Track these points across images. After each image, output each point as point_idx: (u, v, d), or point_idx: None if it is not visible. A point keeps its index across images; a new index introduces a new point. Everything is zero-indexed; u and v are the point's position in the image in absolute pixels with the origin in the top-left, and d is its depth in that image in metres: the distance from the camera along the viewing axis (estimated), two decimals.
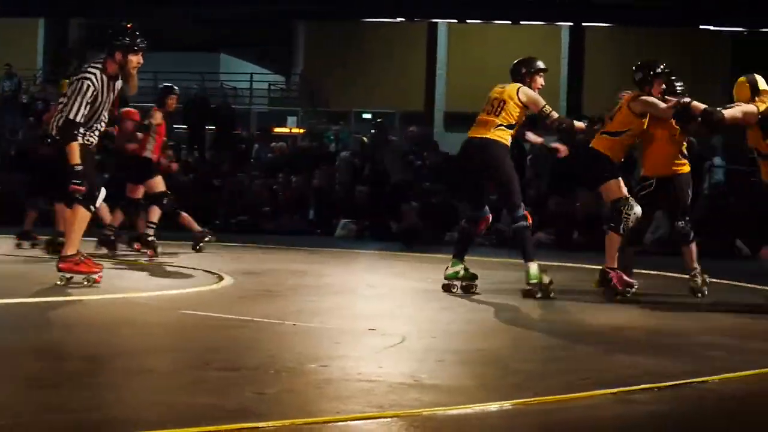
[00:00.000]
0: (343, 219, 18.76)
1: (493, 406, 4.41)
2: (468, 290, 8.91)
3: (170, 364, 5.37)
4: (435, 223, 17.40)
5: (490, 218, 9.25)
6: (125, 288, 8.70)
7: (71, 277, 8.47)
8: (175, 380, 4.91)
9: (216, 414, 4.10)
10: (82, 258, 8.52)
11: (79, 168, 8.39)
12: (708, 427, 4.31)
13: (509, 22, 28.55)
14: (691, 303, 8.93)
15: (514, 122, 8.90)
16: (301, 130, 27.09)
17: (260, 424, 3.93)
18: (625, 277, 8.90)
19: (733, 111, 8.60)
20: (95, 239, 11.70)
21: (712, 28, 27.37)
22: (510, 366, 5.53)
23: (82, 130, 8.42)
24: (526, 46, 29.62)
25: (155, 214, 11.90)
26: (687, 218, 9.34)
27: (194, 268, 10.49)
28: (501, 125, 8.86)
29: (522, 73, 9.19)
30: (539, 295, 8.61)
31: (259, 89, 31.56)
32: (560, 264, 10.40)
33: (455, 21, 29.62)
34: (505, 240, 17.17)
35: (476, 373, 5.33)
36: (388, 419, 4.13)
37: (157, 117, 11.93)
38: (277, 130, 27.21)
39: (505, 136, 8.88)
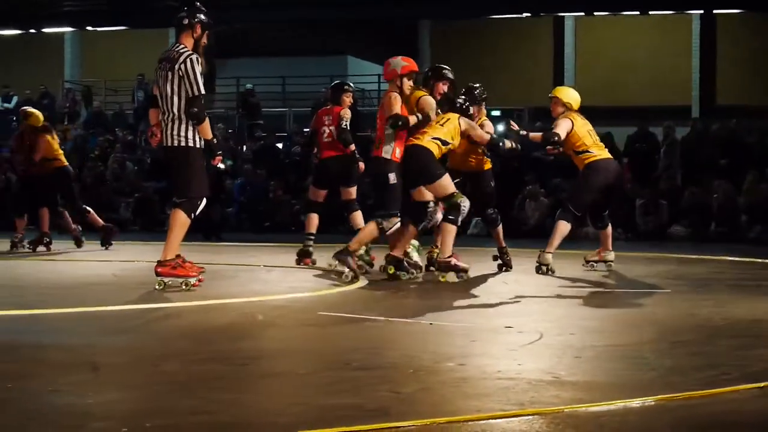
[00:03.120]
0: (476, 217, 18.71)
1: (635, 403, 4.33)
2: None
3: (308, 365, 5.40)
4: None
5: None
6: (262, 291, 8.79)
7: (169, 282, 8.53)
8: (313, 381, 4.94)
9: (354, 414, 4.12)
10: (180, 262, 8.59)
11: (216, 141, 8.70)
12: None
13: (637, 12, 28.14)
14: None
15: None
16: None
17: (399, 424, 3.92)
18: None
19: (560, 129, 10.30)
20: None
21: None
22: (649, 361, 5.43)
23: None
24: (656, 36, 29.32)
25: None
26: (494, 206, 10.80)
27: (329, 270, 10.56)
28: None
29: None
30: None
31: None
32: (696, 257, 10.21)
33: (582, 14, 29.32)
34: (640, 235, 16.99)
35: (615, 369, 5.26)
36: (529, 417, 4.09)
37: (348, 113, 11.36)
38: None
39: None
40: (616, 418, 4.16)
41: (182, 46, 8.63)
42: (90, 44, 33.50)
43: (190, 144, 8.53)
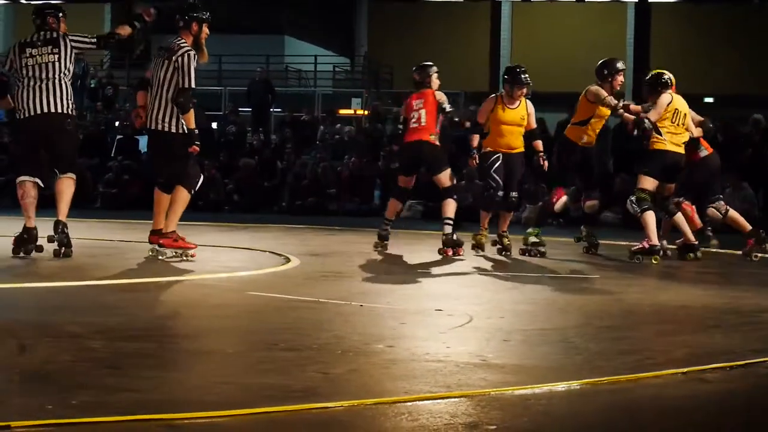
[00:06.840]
0: (409, 200, 18.72)
1: (561, 386, 4.38)
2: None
3: (236, 345, 5.39)
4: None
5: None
6: (192, 270, 8.75)
7: (171, 253, 9.07)
8: (241, 361, 4.93)
9: (282, 394, 4.12)
10: (179, 236, 9.17)
11: (197, 132, 9.08)
12: None
13: None
14: (756, 280, 8.84)
15: (584, 118, 10.56)
16: (366, 112, 27.09)
17: (326, 404, 3.93)
18: None
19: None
20: None
21: None
22: (577, 346, 5.49)
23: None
24: (592, 23, 29.51)
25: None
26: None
27: (261, 250, 10.54)
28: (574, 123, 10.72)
29: (604, 74, 10.53)
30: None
31: (324, 71, 31.58)
32: (627, 243, 10.33)
33: None
34: (572, 221, 17.12)
35: (543, 353, 5.30)
36: (456, 399, 4.11)
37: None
38: (342, 111, 27.22)
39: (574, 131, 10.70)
40: (542, 401, 4.20)
41: (182, 40, 9.11)
42: (24, 17, 33.04)
43: (173, 130, 9.01)
